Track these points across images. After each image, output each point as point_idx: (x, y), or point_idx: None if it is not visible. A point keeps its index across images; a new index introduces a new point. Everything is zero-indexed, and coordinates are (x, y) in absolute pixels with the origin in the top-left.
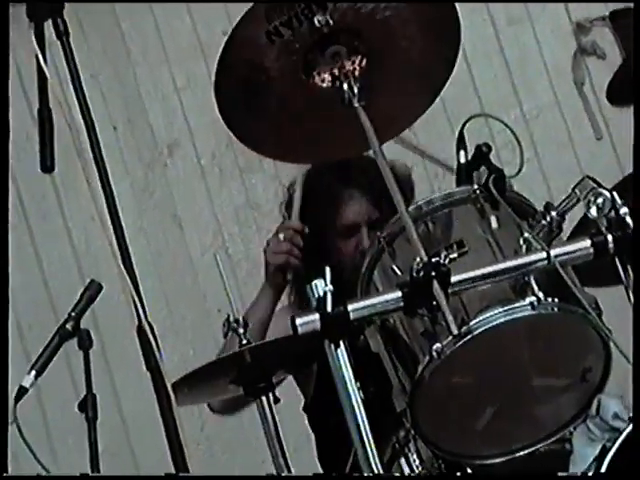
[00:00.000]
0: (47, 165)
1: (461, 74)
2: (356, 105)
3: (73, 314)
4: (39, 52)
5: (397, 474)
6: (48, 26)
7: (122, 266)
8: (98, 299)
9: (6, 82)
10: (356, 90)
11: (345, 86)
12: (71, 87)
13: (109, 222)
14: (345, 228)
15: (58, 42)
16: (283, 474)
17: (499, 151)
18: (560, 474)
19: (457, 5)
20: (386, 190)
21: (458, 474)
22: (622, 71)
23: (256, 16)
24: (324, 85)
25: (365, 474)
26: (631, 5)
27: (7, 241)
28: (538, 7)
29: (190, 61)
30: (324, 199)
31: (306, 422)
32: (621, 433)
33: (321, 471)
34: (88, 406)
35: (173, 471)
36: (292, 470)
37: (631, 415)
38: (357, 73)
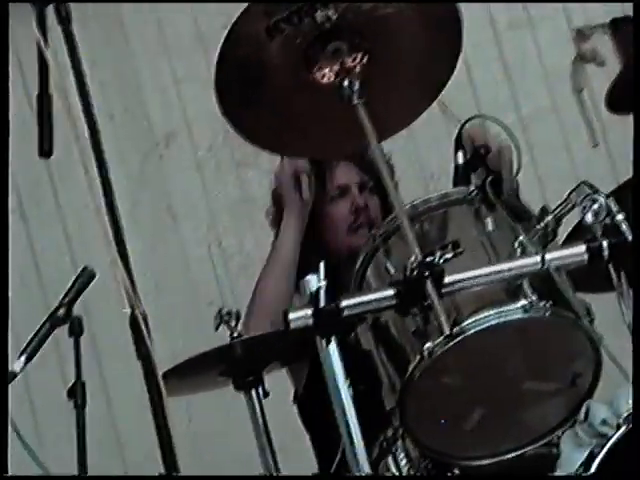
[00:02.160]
0: (45, 149)
1: (460, 76)
2: (356, 102)
3: (65, 301)
4: (41, 37)
5: (388, 474)
6: (49, 12)
7: (117, 254)
8: (90, 287)
9: (6, 71)
10: (356, 87)
11: (345, 83)
12: (71, 74)
13: (104, 210)
14: (337, 189)
15: (58, 28)
16: (273, 473)
17: None
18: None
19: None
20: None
21: (448, 474)
22: (621, 78)
23: (256, 11)
24: (324, 81)
25: (354, 473)
26: (631, 14)
27: (7, 240)
28: (539, 12)
29: (190, 52)
30: (313, 167)
31: (295, 417)
32: (609, 439)
33: (307, 468)
34: (77, 393)
35: (160, 461)
36: (279, 466)
37: (620, 422)
38: (358, 70)
